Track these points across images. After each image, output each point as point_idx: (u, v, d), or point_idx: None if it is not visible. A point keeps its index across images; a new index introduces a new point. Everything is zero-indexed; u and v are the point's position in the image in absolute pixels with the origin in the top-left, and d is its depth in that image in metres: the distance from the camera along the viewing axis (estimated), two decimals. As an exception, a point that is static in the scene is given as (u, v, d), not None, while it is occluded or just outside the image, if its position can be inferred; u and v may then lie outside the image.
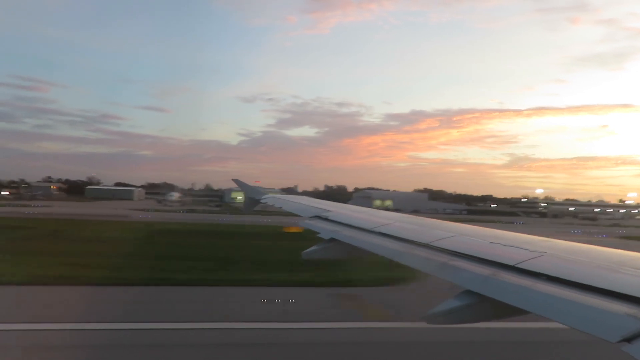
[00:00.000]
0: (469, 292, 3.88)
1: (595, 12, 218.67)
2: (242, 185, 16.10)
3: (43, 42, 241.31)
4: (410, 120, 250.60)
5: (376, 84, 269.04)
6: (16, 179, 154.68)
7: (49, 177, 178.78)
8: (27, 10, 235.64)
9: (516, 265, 3.96)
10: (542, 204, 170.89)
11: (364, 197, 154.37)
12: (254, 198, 14.62)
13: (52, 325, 17.30)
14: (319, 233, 7.23)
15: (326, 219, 8.05)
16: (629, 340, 2.53)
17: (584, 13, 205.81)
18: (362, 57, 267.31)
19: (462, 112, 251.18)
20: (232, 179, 16.54)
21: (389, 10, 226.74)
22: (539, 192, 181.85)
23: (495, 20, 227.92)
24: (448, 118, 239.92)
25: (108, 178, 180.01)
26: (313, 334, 17.85)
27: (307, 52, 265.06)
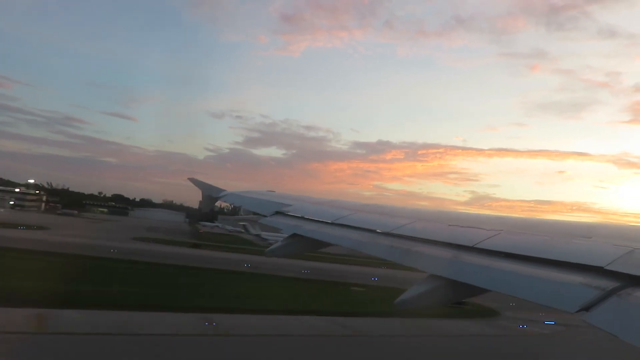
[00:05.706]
0: (434, 276, 3.98)
1: (554, 62, 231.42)
2: (198, 184, 15.79)
3: (8, 38, 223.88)
4: (377, 150, 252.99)
5: (344, 111, 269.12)
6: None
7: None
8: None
9: (475, 246, 4.09)
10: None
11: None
12: (211, 196, 14.35)
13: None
14: (282, 230, 7.19)
15: (287, 215, 8.01)
16: (587, 309, 2.67)
17: (543, 61, 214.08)
18: (331, 83, 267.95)
19: (427, 146, 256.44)
20: (188, 178, 16.12)
21: (359, 40, 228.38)
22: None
23: (460, 59, 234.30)
24: (413, 151, 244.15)
25: (69, 183, 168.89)
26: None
27: (278, 72, 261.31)
